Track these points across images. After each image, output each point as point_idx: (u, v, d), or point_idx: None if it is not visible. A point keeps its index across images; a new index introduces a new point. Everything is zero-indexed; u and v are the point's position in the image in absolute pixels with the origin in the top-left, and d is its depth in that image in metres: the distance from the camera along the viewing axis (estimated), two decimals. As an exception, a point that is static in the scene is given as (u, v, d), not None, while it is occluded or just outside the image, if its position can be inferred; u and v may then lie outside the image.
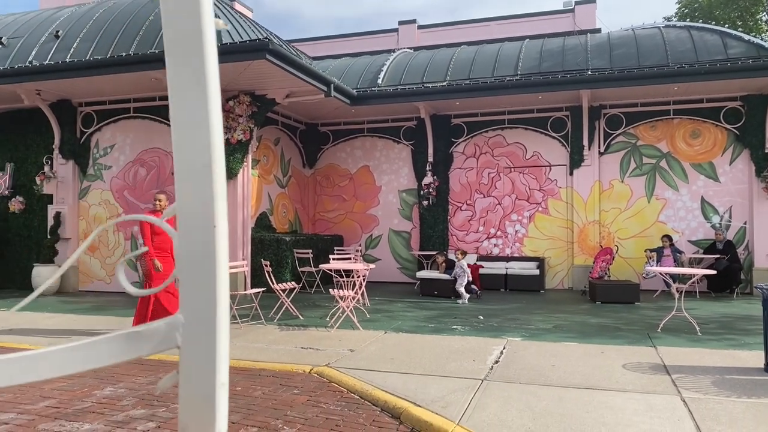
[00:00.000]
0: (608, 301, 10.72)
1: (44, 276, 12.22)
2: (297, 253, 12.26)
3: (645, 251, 12.09)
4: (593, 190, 13.13)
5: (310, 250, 12.14)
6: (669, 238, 11.69)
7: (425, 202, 13.77)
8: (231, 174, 11.90)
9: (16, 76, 11.41)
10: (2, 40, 13.98)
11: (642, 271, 12.43)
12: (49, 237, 12.58)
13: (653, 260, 11.61)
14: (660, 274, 9.30)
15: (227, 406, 1.09)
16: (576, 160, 13.24)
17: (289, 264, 12.17)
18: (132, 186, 12.59)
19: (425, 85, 13.07)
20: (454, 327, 8.39)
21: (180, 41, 1.12)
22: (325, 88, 11.51)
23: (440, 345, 7.21)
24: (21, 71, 11.40)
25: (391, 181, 14.74)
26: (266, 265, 9.30)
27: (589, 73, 12.14)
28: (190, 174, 1.09)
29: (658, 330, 8.01)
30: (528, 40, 15.15)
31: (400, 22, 19.26)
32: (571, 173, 13.36)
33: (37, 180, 12.55)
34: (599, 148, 13.21)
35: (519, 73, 13.34)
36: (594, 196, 13.12)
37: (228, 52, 9.59)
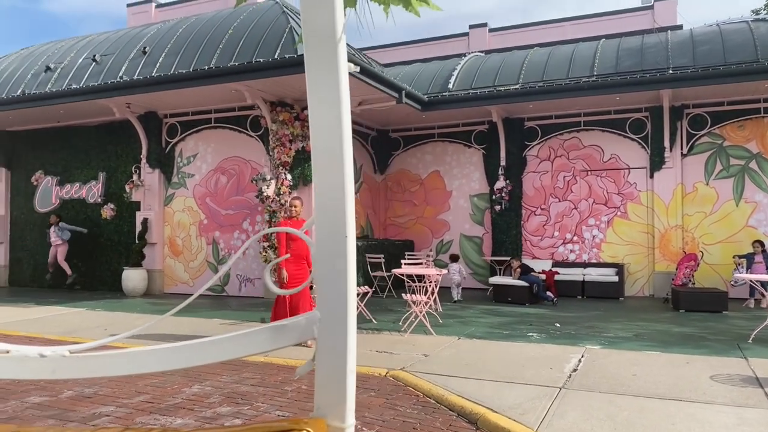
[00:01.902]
0: (693, 309, 10.22)
1: (133, 278, 12.95)
2: (369, 258, 12.42)
3: (733, 257, 11.46)
4: (675, 194, 12.58)
5: (382, 255, 12.27)
6: (761, 243, 11.02)
7: (498, 207, 13.62)
8: (307, 180, 12.20)
9: (108, 91, 12.18)
10: (96, 57, 14.96)
11: (730, 279, 11.77)
12: (137, 242, 13.33)
13: (742, 267, 10.99)
14: (750, 281, 8.80)
15: (354, 390, 1.25)
16: (656, 163, 12.73)
17: (361, 268, 12.35)
18: (213, 193, 13.15)
19: (497, 88, 12.94)
20: (530, 334, 8.25)
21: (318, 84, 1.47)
22: (396, 95, 11.63)
23: (515, 352, 7.12)
24: (113, 86, 12.16)
25: (462, 185, 14.68)
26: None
27: (671, 71, 11.66)
28: (327, 193, 1.29)
29: (749, 341, 7.58)
30: (604, 39, 14.72)
31: (471, 26, 19.17)
32: (652, 176, 12.85)
33: (127, 188, 13.34)
34: (681, 149, 12.65)
35: (595, 73, 12.97)
36: (676, 200, 12.56)
37: (302, 63, 9.86)
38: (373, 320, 9.19)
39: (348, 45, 9.87)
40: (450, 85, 14.18)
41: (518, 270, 11.59)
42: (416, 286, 9.11)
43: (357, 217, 14.22)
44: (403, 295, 8.81)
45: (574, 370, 6.18)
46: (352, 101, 11.91)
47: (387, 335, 8.19)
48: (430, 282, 8.71)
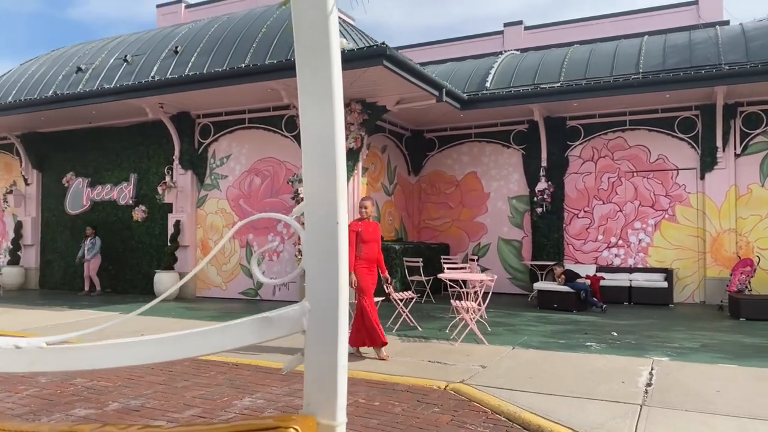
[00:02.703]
0: (756, 317, 9.64)
1: (165, 282, 12.70)
2: (407, 261, 12.02)
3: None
4: (728, 196, 11.98)
5: (421, 259, 11.86)
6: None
7: (539, 209, 13.13)
8: (342, 182, 11.85)
9: (141, 91, 11.95)
10: (127, 58, 14.81)
11: (789, 285, 11.15)
12: (169, 244, 13.08)
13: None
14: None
15: (346, 386, 1.09)
16: (708, 163, 12.15)
17: (398, 272, 11.95)
18: (247, 194, 12.86)
19: (540, 86, 12.47)
20: (588, 344, 7.78)
21: (309, 61, 1.29)
22: (436, 93, 11.23)
23: (579, 363, 6.67)
24: (146, 86, 11.94)
25: (500, 187, 14.21)
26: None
27: (726, 67, 11.10)
28: (317, 176, 1.19)
29: (832, 353, 7.03)
30: (647, 36, 14.17)
31: (506, 24, 18.70)
32: (702, 177, 12.27)
33: (159, 190, 13.10)
34: (735, 149, 12.06)
35: (641, 71, 12.46)
36: (729, 202, 11.97)
37: (345, 60, 9.51)
38: (419, 327, 8.77)
39: (382, 43, 9.59)
40: (487, 84, 13.76)
41: (563, 276, 11.10)
42: (463, 292, 8.70)
43: (392, 220, 13.83)
44: (452, 301, 8.39)
45: (649, 385, 5.71)
46: (390, 99, 11.61)
47: (436, 344, 7.77)
48: (481, 287, 8.28)
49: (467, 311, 7.97)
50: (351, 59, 9.46)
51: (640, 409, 4.93)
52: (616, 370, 6.32)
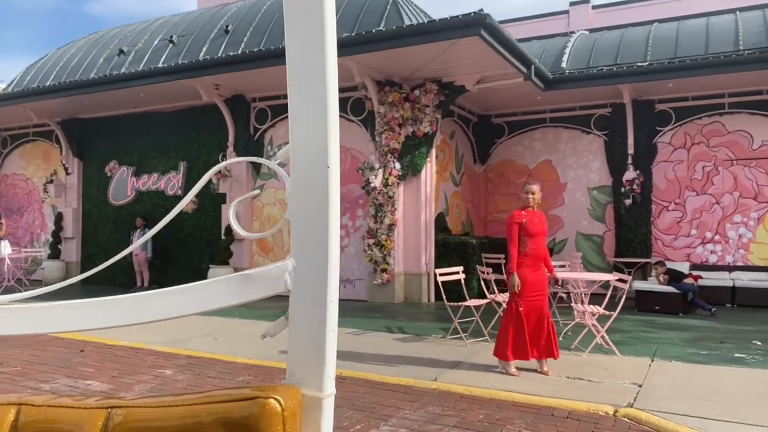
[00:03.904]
0: None
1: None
2: (486, 258, 10.94)
3: None
4: None
5: (503, 255, 10.77)
6: None
7: (627, 201, 11.94)
8: (415, 170, 10.81)
9: (199, 70, 11.02)
10: (172, 38, 13.90)
11: None
12: (224, 238, 12.13)
13: None
14: None
15: (335, 354, 1.01)
16: (821, 150, 10.91)
17: (475, 271, 10.86)
18: (307, 184, 11.85)
19: (636, 64, 11.27)
20: (737, 355, 6.67)
21: None
22: (525, 70, 10.11)
23: (747, 380, 5.63)
24: (204, 64, 11.01)
25: (578, 177, 13.05)
26: (482, 272, 8.06)
27: None
28: (304, 114, 1.06)
29: None
30: (738, 12, 12.91)
31: (571, 3, 17.48)
32: (814, 165, 11.04)
33: (214, 179, 12.14)
34: None
35: (741, 48, 11.24)
36: None
37: (435, 31, 8.47)
38: (526, 333, 7.68)
39: (480, 10, 8.50)
40: (563, 64, 12.63)
41: (666, 276, 9.96)
42: (574, 294, 7.63)
43: (458, 213, 12.76)
44: (572, 304, 7.32)
45: None
46: (469, 78, 10.47)
47: (563, 354, 6.69)
48: (587, 289, 7.18)
49: (586, 316, 6.90)
50: (442, 29, 8.42)
51: None
52: (805, 391, 5.22)
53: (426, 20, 10.06)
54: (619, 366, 6.20)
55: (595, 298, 7.96)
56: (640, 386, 5.45)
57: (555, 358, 5.89)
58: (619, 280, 6.91)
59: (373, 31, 9.31)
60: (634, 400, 5.02)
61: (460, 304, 7.37)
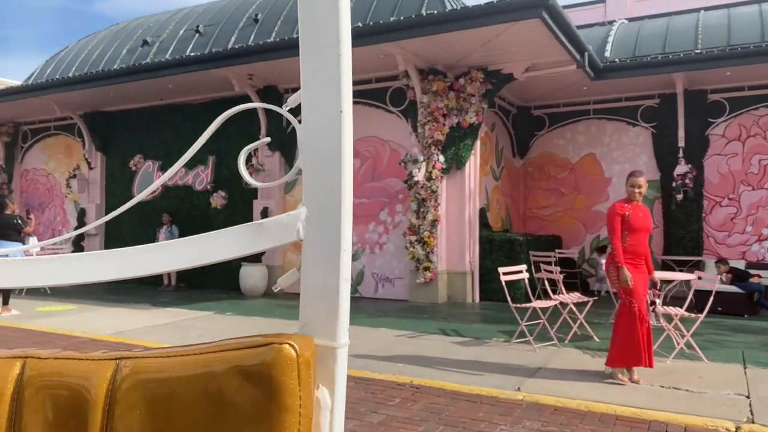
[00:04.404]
0: None
1: (253, 276, 11.31)
2: (533, 256, 10.42)
3: None
4: None
5: (553, 253, 10.25)
6: None
7: (678, 196, 11.36)
8: (459, 163, 10.29)
9: (232, 59, 10.55)
10: (199, 28, 13.45)
11: None
12: (256, 234, 11.65)
13: None
14: None
15: (349, 303, 1.00)
16: None
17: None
18: (343, 178, 11.35)
19: (695, 51, 10.68)
20: (837, 362, 6.13)
21: None
22: (579, 58, 9.57)
23: None
24: (238, 52, 10.52)
25: (624, 171, 12.37)
26: (548, 271, 7.54)
27: None
28: (315, 54, 1.00)
29: None
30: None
31: (609, -8, 16.89)
32: None
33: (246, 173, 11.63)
34: None
35: (802, 34, 10.65)
36: None
37: (494, 13, 7.94)
38: (595, 337, 7.16)
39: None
40: (606, 53, 12.05)
41: (729, 275, 9.41)
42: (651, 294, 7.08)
43: (498, 209, 12.23)
44: (662, 307, 6.78)
45: None
46: (518, 66, 9.91)
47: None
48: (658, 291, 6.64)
49: (662, 319, 6.38)
50: (501, 11, 7.87)
51: None
52: None
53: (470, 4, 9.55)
54: (712, 373, 5.68)
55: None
56: (747, 398, 4.94)
57: (650, 367, 5.35)
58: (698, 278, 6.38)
59: (424, 14, 8.78)
60: (752, 414, 4.51)
61: (527, 305, 6.86)
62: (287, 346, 0.90)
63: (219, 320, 8.82)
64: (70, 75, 14.12)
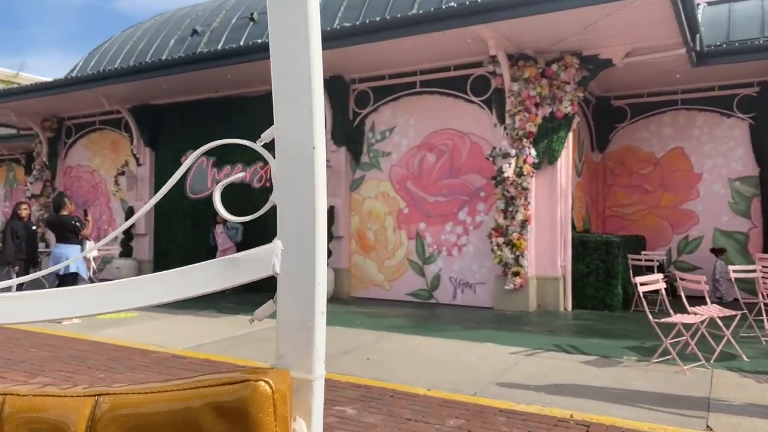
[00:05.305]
0: None
1: (319, 280, 10.53)
2: (632, 260, 9.51)
3: None
4: None
5: (655, 257, 9.33)
6: None
7: (784, 194, 10.37)
8: (552, 158, 9.40)
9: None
10: (253, 15, 12.72)
11: None
12: (322, 235, 10.87)
13: None
14: None
15: (325, 335, 1.02)
16: None
17: (619, 275, 9.45)
18: (417, 175, 10.52)
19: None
20: None
21: None
22: (690, 41, 8.62)
23: None
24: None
25: (717, 166, 11.47)
26: (684, 279, 6.63)
27: None
28: (288, 94, 1.07)
29: None
30: None
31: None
32: None
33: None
34: None
35: None
36: None
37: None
38: (743, 356, 6.24)
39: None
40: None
41: None
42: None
43: (580, 206, 11.31)
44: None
45: None
46: (618, 51, 8.85)
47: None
48: None
49: None
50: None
51: None
52: None
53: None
54: None
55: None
56: None
57: None
58: None
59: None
60: None
61: (672, 320, 5.97)
62: (263, 383, 0.92)
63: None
64: (116, 66, 13.48)
